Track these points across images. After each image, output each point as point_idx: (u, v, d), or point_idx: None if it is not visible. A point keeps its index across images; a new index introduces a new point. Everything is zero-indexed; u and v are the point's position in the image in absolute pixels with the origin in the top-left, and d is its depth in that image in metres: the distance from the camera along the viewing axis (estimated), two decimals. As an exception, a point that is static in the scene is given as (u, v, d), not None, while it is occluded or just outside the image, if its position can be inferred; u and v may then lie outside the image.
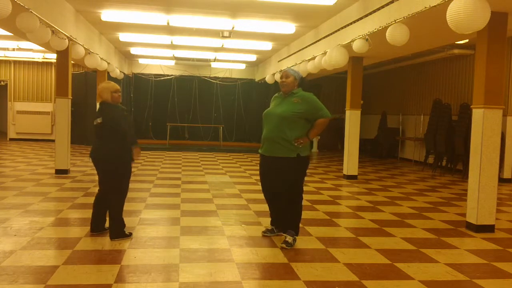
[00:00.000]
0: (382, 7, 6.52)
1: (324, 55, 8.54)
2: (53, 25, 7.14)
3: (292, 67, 10.94)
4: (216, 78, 17.30)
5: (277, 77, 12.89)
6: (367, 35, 6.99)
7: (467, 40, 9.01)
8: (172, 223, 5.22)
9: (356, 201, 7.13)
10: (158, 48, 13.18)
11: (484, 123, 5.19)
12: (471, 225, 5.34)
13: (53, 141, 11.47)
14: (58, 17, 7.63)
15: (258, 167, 4.87)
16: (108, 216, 4.53)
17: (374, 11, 6.80)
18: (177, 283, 3.43)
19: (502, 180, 8.87)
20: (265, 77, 14.23)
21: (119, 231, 4.49)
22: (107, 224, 4.63)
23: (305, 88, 4.62)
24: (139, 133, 16.69)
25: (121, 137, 4.43)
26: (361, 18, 7.30)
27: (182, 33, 10.68)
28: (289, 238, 4.44)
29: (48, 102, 16.50)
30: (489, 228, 5.28)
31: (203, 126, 17.02)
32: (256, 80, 17.02)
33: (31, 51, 14.20)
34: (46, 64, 16.42)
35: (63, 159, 8.69)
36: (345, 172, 9.43)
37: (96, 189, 4.77)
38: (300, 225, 5.11)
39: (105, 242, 4.37)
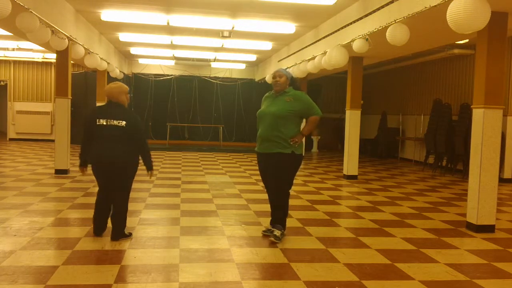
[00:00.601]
0: (382, 7, 6.52)
1: (324, 55, 8.54)
2: (53, 25, 7.13)
3: (290, 67, 11.00)
4: (216, 78, 17.30)
5: (268, 78, 12.92)
6: (367, 35, 6.98)
7: (467, 40, 9.01)
8: (172, 223, 5.22)
9: (356, 201, 7.13)
10: (158, 48, 13.17)
11: (484, 123, 5.18)
12: (471, 225, 5.34)
13: (53, 141, 11.45)
14: (58, 17, 7.63)
15: (258, 167, 4.91)
16: (114, 217, 4.42)
17: (374, 11, 6.80)
18: (177, 283, 3.43)
19: (502, 180, 8.86)
20: (265, 77, 14.21)
21: (123, 232, 4.47)
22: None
23: (296, 87, 4.79)
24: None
25: (139, 143, 4.45)
26: (361, 18, 7.29)
27: (182, 33, 10.68)
28: (277, 232, 4.56)
29: (48, 102, 16.49)
30: (489, 228, 5.28)
31: (203, 126, 17.02)
32: (256, 80, 17.01)
33: (31, 51, 14.20)
34: (46, 64, 16.41)
35: (62, 159, 8.69)
36: (345, 172, 9.43)
37: (96, 189, 4.74)
38: (300, 225, 5.11)
39: (105, 242, 4.36)
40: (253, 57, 14.48)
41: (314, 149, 16.01)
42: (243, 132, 17.45)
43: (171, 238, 4.62)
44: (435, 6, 5.11)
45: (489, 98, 5.19)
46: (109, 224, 4.50)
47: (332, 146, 16.97)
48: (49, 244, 4.30)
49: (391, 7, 6.28)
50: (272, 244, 4.48)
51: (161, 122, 16.64)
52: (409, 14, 5.71)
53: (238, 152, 14.75)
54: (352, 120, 9.33)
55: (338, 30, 8.29)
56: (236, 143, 16.88)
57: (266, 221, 5.20)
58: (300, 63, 10.48)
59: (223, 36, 10.17)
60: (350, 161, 9.33)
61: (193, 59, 15.54)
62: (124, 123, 4.35)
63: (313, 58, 9.48)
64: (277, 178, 4.58)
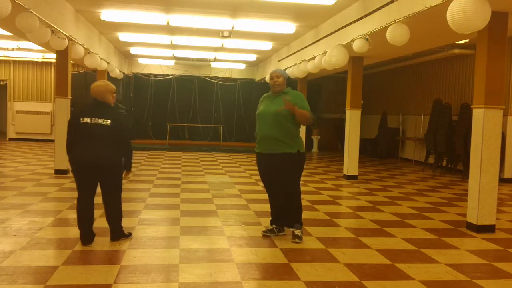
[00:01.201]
0: (382, 7, 6.52)
1: (324, 55, 8.53)
2: (52, 25, 7.13)
3: (290, 67, 11.00)
4: (216, 78, 17.30)
5: (268, 78, 12.92)
6: (367, 35, 6.98)
7: (467, 40, 9.01)
8: (172, 223, 5.21)
9: (356, 201, 7.12)
10: (158, 48, 13.17)
11: (484, 123, 5.18)
12: (471, 225, 5.33)
13: (52, 141, 11.44)
14: (58, 17, 7.63)
15: (257, 168, 4.88)
16: (110, 219, 4.38)
17: (374, 11, 6.80)
18: (177, 283, 3.42)
19: (502, 180, 8.86)
20: (265, 77, 14.20)
21: (122, 232, 4.45)
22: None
23: (294, 87, 4.84)
24: (139, 133, 16.71)
25: (123, 143, 4.33)
26: (361, 18, 7.29)
27: (182, 33, 10.67)
28: (298, 232, 4.59)
29: (48, 102, 16.49)
30: (490, 228, 5.27)
31: (203, 126, 17.02)
32: (256, 80, 17.01)
33: (30, 51, 14.20)
34: (45, 64, 16.41)
35: (62, 159, 8.64)
36: (345, 172, 9.42)
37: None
38: (300, 225, 5.07)
39: (105, 242, 4.35)
40: (253, 57, 14.47)
41: (314, 149, 16.00)
42: (243, 132, 17.45)
43: (171, 238, 4.62)
44: (435, 6, 5.10)
45: (489, 98, 5.18)
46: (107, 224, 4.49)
47: (332, 146, 16.96)
48: (49, 244, 4.30)
49: (391, 7, 6.28)
50: (272, 244, 4.48)
51: (161, 122, 16.64)
52: (409, 14, 5.70)
53: (238, 152, 14.75)
54: (352, 120, 9.33)
55: (338, 30, 8.29)
56: (236, 143, 16.88)
57: (266, 221, 5.20)
58: (300, 63, 10.48)
59: (223, 36, 10.16)
60: (350, 161, 9.33)
61: (193, 59, 15.53)
62: (109, 122, 4.21)
63: (313, 58, 9.48)
64: (286, 181, 4.54)
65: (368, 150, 14.65)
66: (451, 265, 4.07)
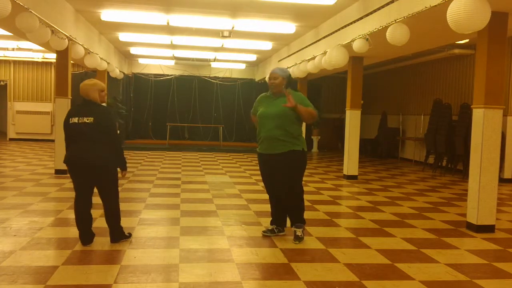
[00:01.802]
0: (382, 7, 6.52)
1: (324, 55, 8.54)
2: (52, 25, 7.13)
3: (291, 67, 10.99)
4: (216, 78, 17.29)
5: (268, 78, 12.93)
6: (367, 35, 6.98)
7: (467, 40, 9.01)
8: (172, 223, 5.21)
9: (356, 201, 7.12)
10: (158, 48, 13.17)
11: (484, 123, 5.18)
12: (471, 225, 5.34)
13: (52, 141, 11.45)
14: (58, 17, 7.63)
15: (258, 167, 4.89)
16: (109, 220, 4.35)
17: (374, 11, 6.80)
18: (177, 283, 3.42)
19: (502, 180, 8.86)
20: (265, 77, 14.21)
21: (122, 232, 4.45)
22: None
23: (294, 86, 4.77)
24: (139, 133, 16.72)
25: (109, 141, 4.23)
26: (361, 18, 7.29)
27: (182, 33, 10.67)
28: (299, 232, 4.59)
29: (48, 102, 16.49)
30: (490, 228, 5.27)
31: (203, 126, 17.01)
32: (256, 80, 17.00)
33: (30, 51, 14.19)
34: (45, 64, 16.41)
35: (62, 159, 8.65)
36: (345, 172, 9.42)
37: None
38: (300, 225, 5.06)
39: (105, 242, 4.35)
40: (253, 57, 14.47)
41: (314, 149, 16.00)
42: (243, 132, 17.44)
43: (171, 238, 4.62)
44: (435, 6, 5.10)
45: (489, 98, 5.19)
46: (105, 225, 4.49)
47: (332, 146, 16.97)
48: (49, 244, 4.30)
49: (391, 7, 6.28)
50: (272, 244, 4.48)
51: (161, 122, 16.63)
52: (409, 14, 5.70)
53: (238, 152, 14.75)
54: (352, 120, 9.33)
55: (338, 30, 8.29)
56: (236, 143, 16.87)
57: (266, 221, 5.20)
58: (300, 63, 10.48)
59: (223, 36, 10.16)
60: (350, 161, 9.33)
61: (193, 59, 15.53)
62: (92, 119, 4.15)
63: (313, 58, 9.48)
64: (290, 180, 4.51)
65: (368, 150, 14.65)
66: (451, 265, 4.07)
